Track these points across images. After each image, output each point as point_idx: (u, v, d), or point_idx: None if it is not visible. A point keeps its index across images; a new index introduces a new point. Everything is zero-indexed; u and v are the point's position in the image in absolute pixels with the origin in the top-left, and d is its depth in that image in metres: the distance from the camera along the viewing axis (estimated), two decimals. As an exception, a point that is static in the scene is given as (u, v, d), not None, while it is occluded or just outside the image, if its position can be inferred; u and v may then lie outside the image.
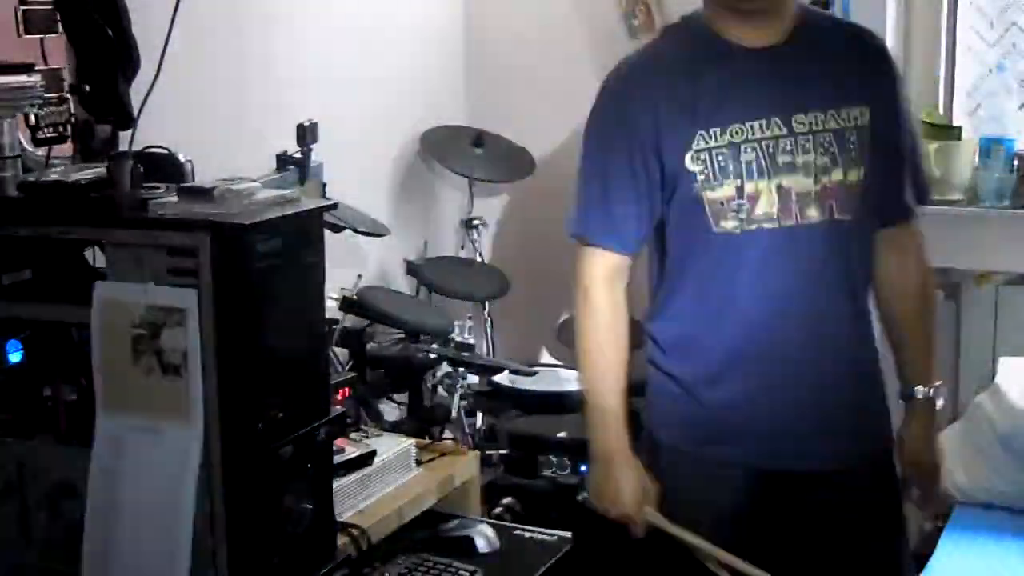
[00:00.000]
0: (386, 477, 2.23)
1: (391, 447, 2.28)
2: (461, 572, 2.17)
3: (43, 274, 1.86)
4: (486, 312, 3.85)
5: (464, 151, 3.78)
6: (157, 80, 1.78)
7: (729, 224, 1.93)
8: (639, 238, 2.05)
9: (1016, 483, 3.16)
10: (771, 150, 1.92)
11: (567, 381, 3.34)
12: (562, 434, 3.18)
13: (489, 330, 3.85)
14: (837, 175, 1.94)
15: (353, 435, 2.28)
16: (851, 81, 1.98)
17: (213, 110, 2.87)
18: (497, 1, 4.12)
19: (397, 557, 2.21)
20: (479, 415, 3.47)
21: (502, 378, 3.19)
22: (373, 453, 2.22)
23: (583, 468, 3.52)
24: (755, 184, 1.92)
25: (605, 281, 2.06)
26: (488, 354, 3.76)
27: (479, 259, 3.84)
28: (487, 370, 3.16)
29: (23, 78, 1.87)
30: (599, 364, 2.07)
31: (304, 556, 1.77)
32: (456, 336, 3.19)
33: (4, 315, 1.88)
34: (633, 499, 2.04)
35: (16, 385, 1.89)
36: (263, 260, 1.63)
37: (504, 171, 3.84)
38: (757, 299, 1.96)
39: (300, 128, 2.61)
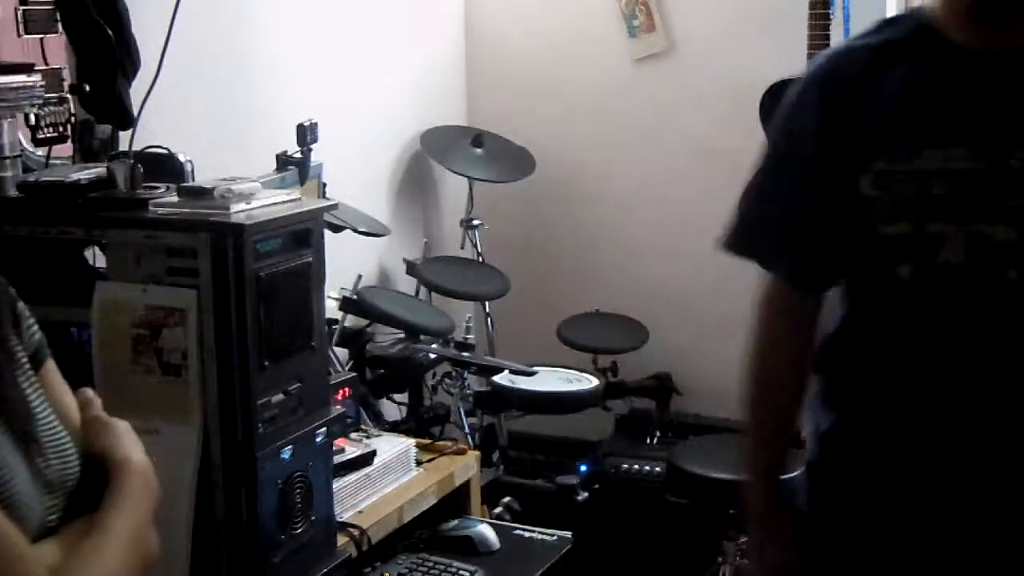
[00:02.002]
0: (386, 477, 2.23)
1: (391, 447, 2.28)
2: (461, 572, 2.17)
3: (43, 274, 1.86)
4: (486, 312, 3.85)
5: (464, 151, 3.78)
6: (157, 80, 1.78)
7: (904, 270, 1.55)
8: (815, 268, 1.68)
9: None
10: (973, 187, 1.51)
11: (567, 382, 3.34)
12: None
13: (489, 330, 3.85)
14: None
15: (353, 435, 2.28)
16: None
17: (213, 110, 2.87)
18: (497, 1, 4.12)
19: (397, 557, 2.21)
20: (479, 415, 3.47)
21: (502, 378, 3.19)
22: (373, 453, 2.22)
23: (583, 468, 3.54)
24: (941, 225, 1.52)
25: (780, 320, 1.72)
26: (488, 354, 3.76)
27: (479, 259, 3.84)
28: (487, 370, 3.16)
29: (23, 78, 1.87)
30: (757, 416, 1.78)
31: (304, 556, 1.77)
32: (456, 336, 3.19)
33: (4, 315, 1.88)
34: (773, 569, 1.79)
35: (16, 385, 1.89)
36: (263, 260, 1.63)
37: (504, 171, 3.84)
38: (926, 371, 1.59)
39: (300, 128, 2.60)
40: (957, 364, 1.56)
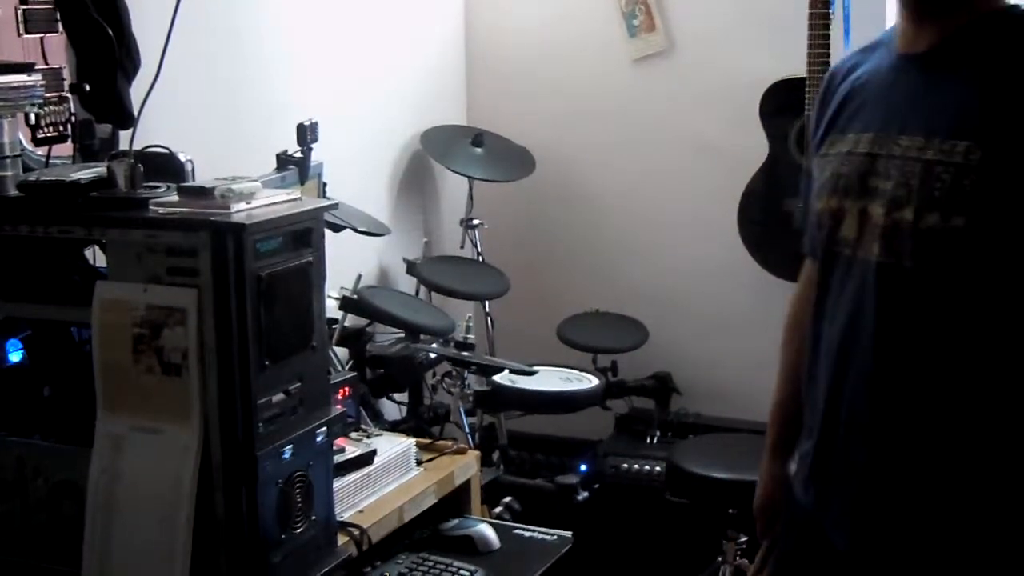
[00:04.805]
0: (386, 477, 2.23)
1: (391, 447, 2.28)
2: (461, 572, 2.17)
3: (43, 274, 1.86)
4: (486, 311, 3.85)
5: (464, 151, 3.78)
6: (157, 80, 1.78)
7: (822, 242, 1.75)
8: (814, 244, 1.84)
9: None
10: (865, 169, 1.67)
11: (567, 381, 3.34)
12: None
13: (489, 329, 3.85)
14: (907, 214, 1.60)
15: (353, 435, 2.29)
16: (971, 108, 1.58)
17: (213, 110, 2.87)
18: (497, 1, 4.12)
19: (397, 557, 2.21)
20: (479, 414, 3.47)
21: (502, 378, 3.19)
22: (373, 453, 2.22)
23: (583, 467, 3.54)
24: (840, 201, 1.70)
25: (800, 287, 1.95)
26: (488, 353, 3.76)
27: (479, 259, 3.84)
28: (487, 370, 3.15)
29: (23, 78, 1.87)
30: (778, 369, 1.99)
31: (304, 556, 1.77)
32: (456, 335, 3.19)
33: (4, 315, 1.88)
34: (758, 502, 1.98)
35: (16, 385, 1.89)
36: (263, 260, 1.63)
37: (504, 171, 3.84)
38: (827, 337, 1.74)
39: (300, 128, 2.60)
40: (849, 336, 1.70)
